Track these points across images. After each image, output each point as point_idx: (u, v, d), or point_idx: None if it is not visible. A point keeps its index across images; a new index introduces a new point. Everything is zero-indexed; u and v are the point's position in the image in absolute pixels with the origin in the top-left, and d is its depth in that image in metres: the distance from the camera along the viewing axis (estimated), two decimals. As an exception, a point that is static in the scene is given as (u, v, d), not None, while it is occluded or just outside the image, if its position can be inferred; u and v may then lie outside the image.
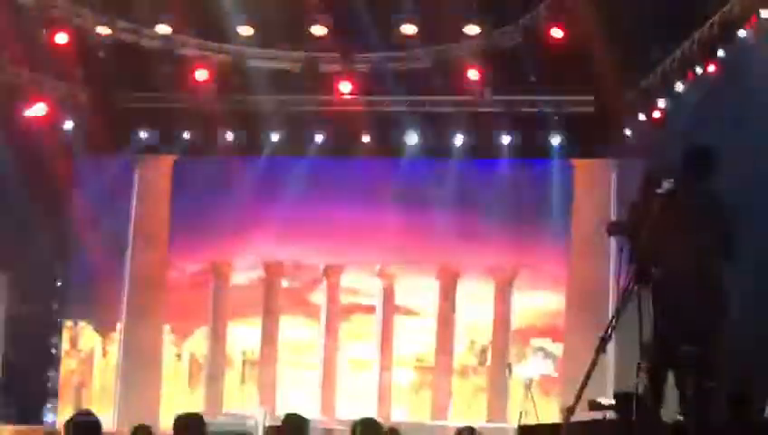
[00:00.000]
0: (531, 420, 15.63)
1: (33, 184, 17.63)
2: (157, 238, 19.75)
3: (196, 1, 15.98)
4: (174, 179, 19.74)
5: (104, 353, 20.04)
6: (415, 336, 19.98)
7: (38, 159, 17.51)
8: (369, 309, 20.06)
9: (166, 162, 19.66)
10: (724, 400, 7.85)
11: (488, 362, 19.62)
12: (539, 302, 19.42)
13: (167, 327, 19.93)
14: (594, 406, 8.73)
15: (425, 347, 19.90)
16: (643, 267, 6.70)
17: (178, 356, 20.20)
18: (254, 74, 17.26)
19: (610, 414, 7.58)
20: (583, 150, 18.16)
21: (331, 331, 19.94)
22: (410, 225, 18.84)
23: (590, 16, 14.66)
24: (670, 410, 7.08)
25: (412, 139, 18.31)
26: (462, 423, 12.83)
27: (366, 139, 18.27)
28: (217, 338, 20.00)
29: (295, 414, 9.03)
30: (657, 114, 16.67)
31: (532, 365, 18.31)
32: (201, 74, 17.14)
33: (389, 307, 19.92)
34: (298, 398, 19.22)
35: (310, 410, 16.87)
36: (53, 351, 19.46)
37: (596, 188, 18.48)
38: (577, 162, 18.61)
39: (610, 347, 6.40)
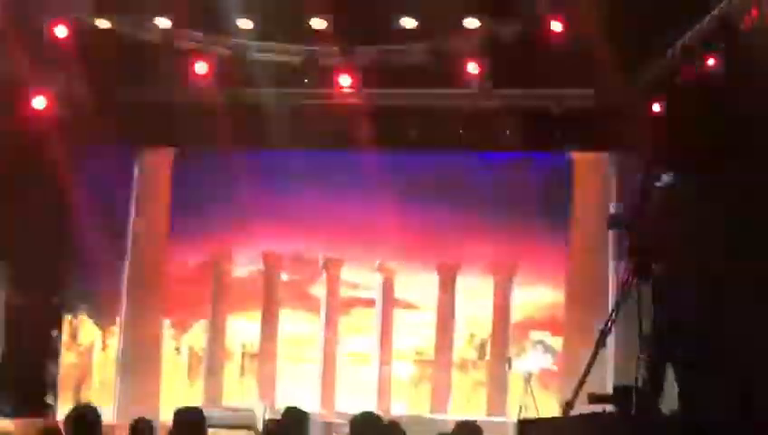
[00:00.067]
0: (530, 414, 15.66)
1: (33, 176, 17.62)
2: (156, 232, 19.74)
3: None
4: (174, 173, 19.73)
5: (104, 347, 20.05)
6: (414, 330, 20.00)
7: (37, 151, 17.50)
8: (369, 303, 20.08)
9: (166, 155, 19.65)
10: (725, 394, 7.84)
11: (488, 356, 19.63)
12: (538, 295, 19.43)
13: (166, 321, 19.94)
14: (594, 399, 8.72)
15: (424, 341, 19.92)
16: (643, 261, 6.70)
17: (178, 350, 20.21)
18: (254, 67, 17.24)
19: (610, 408, 7.57)
20: (583, 144, 18.14)
21: (330, 324, 19.96)
22: (410, 218, 18.85)
23: (590, 10, 14.64)
24: (670, 404, 7.08)
25: (412, 132, 18.29)
26: (461, 417, 12.83)
27: (366, 132, 18.25)
28: (217, 331, 20.01)
29: (295, 407, 9.05)
30: (656, 107, 16.65)
31: (532, 359, 18.32)
32: (201, 67, 17.14)
33: (389, 301, 19.94)
34: (298, 391, 19.24)
35: (309, 404, 16.90)
36: (54, 344, 19.45)
37: (595, 181, 18.47)
38: (576, 156, 18.60)
39: (610, 340, 6.40)
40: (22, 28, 15.88)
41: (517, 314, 19.45)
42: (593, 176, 18.57)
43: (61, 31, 15.92)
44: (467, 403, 19.44)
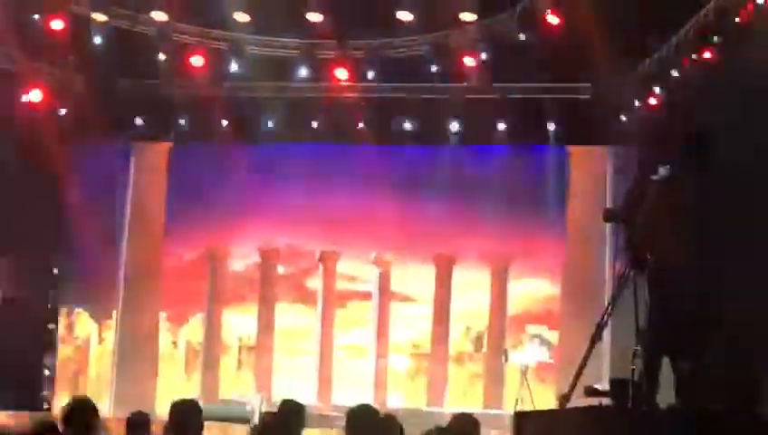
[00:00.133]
0: (527, 407, 15.68)
1: (29, 170, 17.61)
2: (153, 225, 19.74)
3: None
4: (170, 166, 19.71)
5: (100, 340, 20.05)
6: (411, 323, 20.00)
7: (34, 145, 17.49)
8: (366, 295, 20.08)
9: (162, 149, 19.63)
10: (721, 386, 7.86)
11: (484, 349, 19.65)
12: (535, 288, 19.43)
13: (163, 314, 19.94)
14: (590, 392, 8.74)
15: (421, 334, 19.92)
16: (639, 254, 6.71)
17: (175, 343, 20.21)
18: (251, 61, 17.23)
19: (606, 400, 7.58)
20: (579, 137, 18.14)
21: (327, 317, 19.96)
22: (406, 211, 18.85)
23: (586, 3, 14.64)
24: (666, 397, 7.09)
25: (409, 125, 18.28)
26: (458, 409, 12.84)
27: (362, 125, 18.24)
28: (213, 324, 20.02)
29: (291, 400, 9.04)
30: (653, 101, 16.65)
31: (529, 352, 18.32)
32: (197, 60, 17.12)
33: (385, 294, 19.94)
34: (294, 384, 19.25)
35: (306, 396, 16.90)
36: (50, 337, 19.45)
37: (592, 174, 18.47)
38: (573, 149, 18.60)
39: (606, 333, 6.42)
40: (19, 22, 15.86)
41: (514, 307, 19.46)
42: (590, 169, 18.57)
43: (57, 24, 15.88)
44: (464, 396, 19.45)
